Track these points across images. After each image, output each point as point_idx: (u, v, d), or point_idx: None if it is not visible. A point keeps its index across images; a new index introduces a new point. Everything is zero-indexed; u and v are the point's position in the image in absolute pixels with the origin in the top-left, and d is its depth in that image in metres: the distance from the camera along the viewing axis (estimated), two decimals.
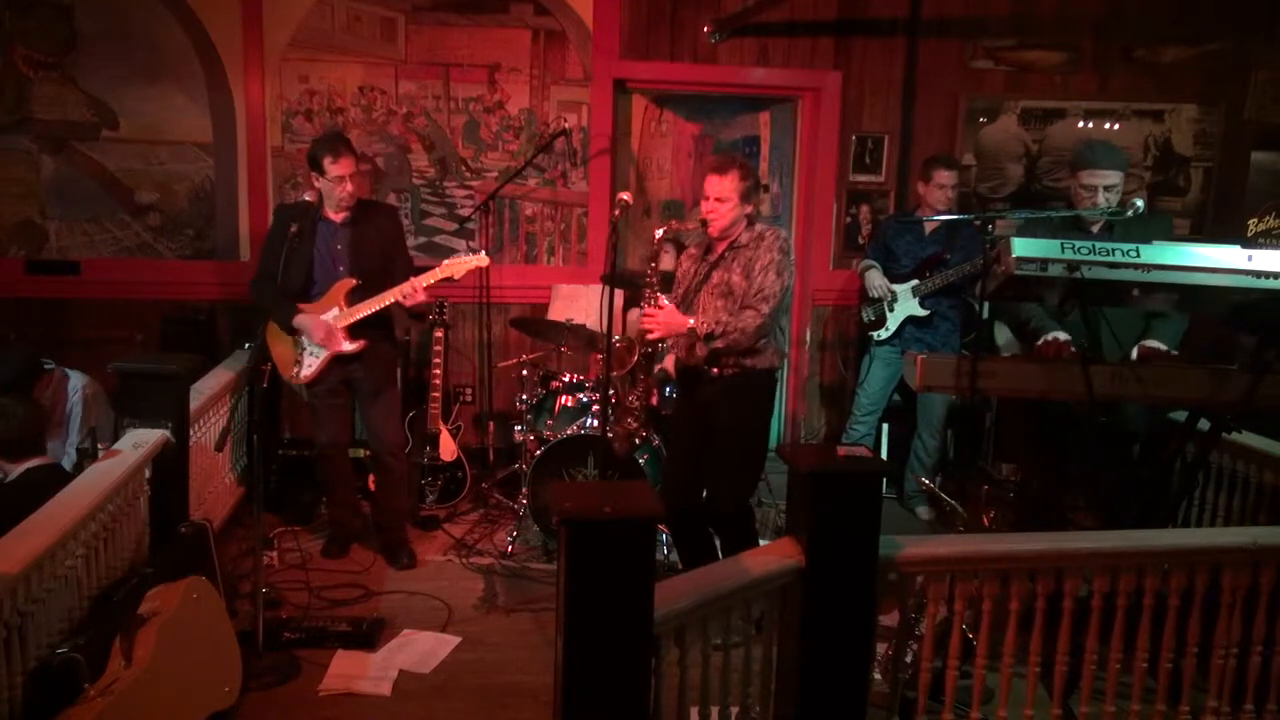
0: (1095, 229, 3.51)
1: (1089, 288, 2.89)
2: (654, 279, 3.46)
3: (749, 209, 3.42)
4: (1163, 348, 3.37)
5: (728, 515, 3.53)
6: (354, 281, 3.89)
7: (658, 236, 3.47)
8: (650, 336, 3.45)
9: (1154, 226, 3.45)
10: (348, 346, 3.90)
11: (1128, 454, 3.68)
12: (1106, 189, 3.46)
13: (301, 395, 4.20)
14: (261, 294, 3.92)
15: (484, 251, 4.02)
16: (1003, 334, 5.17)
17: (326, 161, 3.75)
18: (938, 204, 4.64)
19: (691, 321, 3.35)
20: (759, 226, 3.46)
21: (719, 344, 3.32)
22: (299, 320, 3.88)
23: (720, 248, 3.45)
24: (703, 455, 3.50)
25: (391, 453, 4.16)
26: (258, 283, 3.94)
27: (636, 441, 3.69)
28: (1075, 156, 3.62)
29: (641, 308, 3.48)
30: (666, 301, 3.45)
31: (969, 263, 4.43)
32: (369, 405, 4.09)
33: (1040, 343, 3.41)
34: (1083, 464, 3.64)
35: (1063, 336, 3.35)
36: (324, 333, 3.87)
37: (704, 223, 3.41)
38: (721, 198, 3.35)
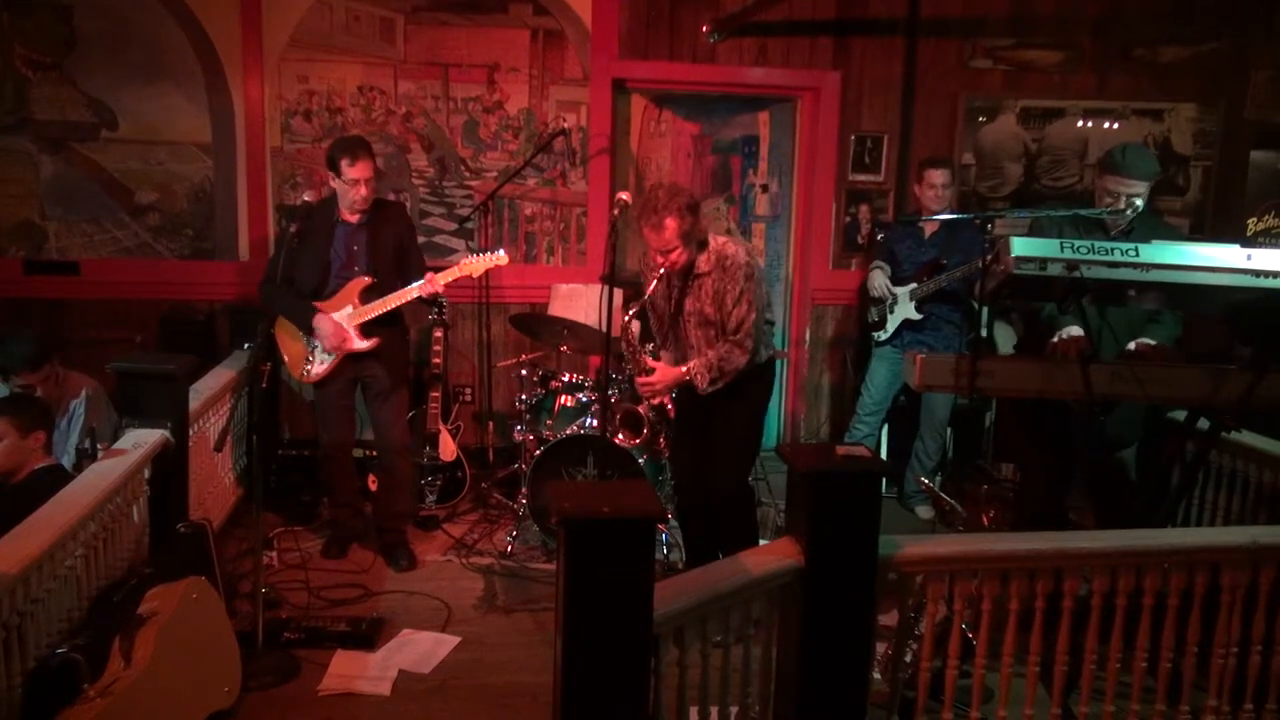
0: (1114, 232, 3.47)
1: (1088, 287, 2.89)
2: (632, 350, 3.59)
3: (698, 238, 3.37)
4: (1154, 344, 3.36)
5: (728, 494, 3.60)
6: (369, 280, 3.91)
7: (627, 318, 3.54)
8: (654, 402, 3.73)
9: (1156, 231, 3.43)
10: (361, 345, 3.92)
11: (1118, 457, 3.67)
12: (1130, 197, 3.38)
13: (304, 394, 4.20)
14: (274, 296, 3.92)
15: (501, 250, 4.05)
16: (1003, 334, 5.18)
17: (344, 163, 3.77)
18: (931, 204, 4.64)
19: (684, 370, 3.45)
20: (712, 247, 3.41)
21: (720, 385, 3.43)
22: (316, 322, 3.89)
23: (678, 281, 3.48)
24: (706, 442, 3.59)
25: (398, 453, 4.16)
26: (268, 285, 3.93)
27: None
28: (1108, 159, 3.47)
29: (630, 370, 3.66)
30: (654, 362, 3.57)
31: (963, 265, 4.43)
32: (379, 405, 4.09)
33: (1055, 339, 3.39)
34: (1081, 463, 3.64)
35: (1077, 332, 3.27)
36: (337, 339, 3.89)
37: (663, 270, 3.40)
38: (666, 249, 3.31)
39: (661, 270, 3.36)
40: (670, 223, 3.26)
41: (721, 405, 3.51)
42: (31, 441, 3.21)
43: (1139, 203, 3.40)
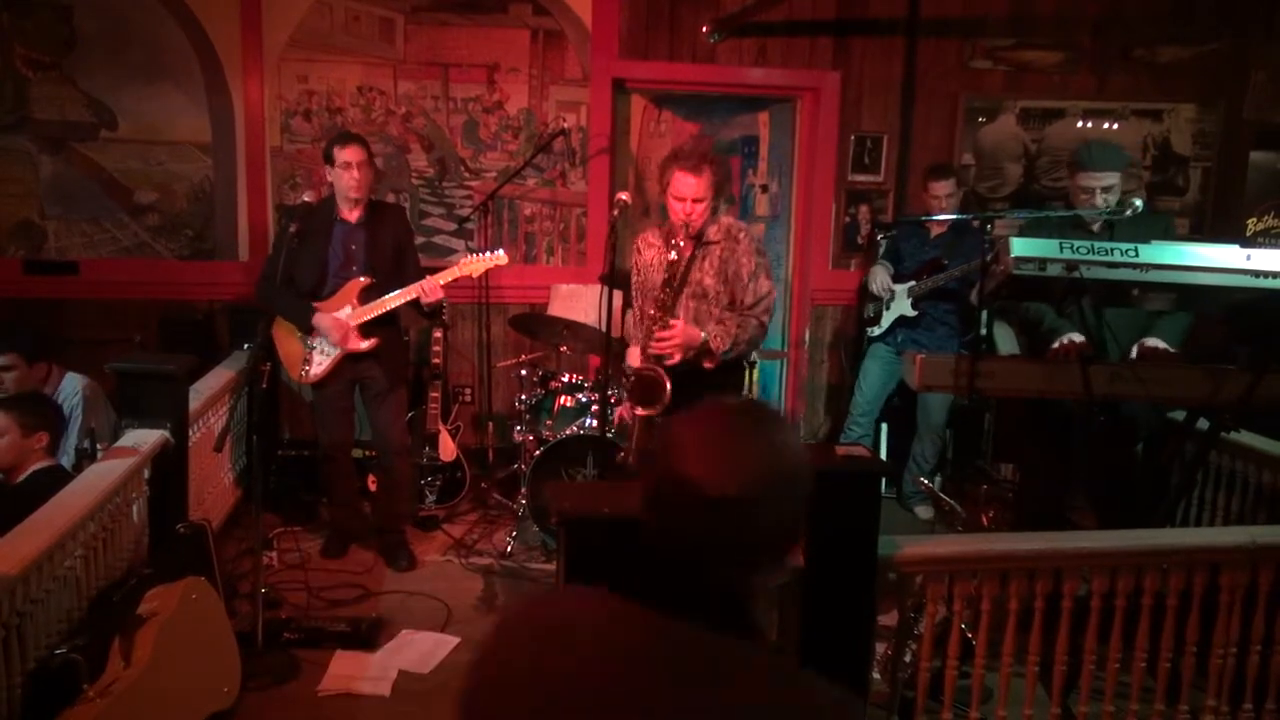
0: (1096, 228, 3.50)
1: (1088, 288, 2.89)
2: (661, 306, 3.28)
3: (716, 206, 3.32)
4: (1163, 345, 3.36)
5: None
6: (367, 280, 3.91)
7: (672, 259, 3.26)
8: (671, 362, 3.26)
9: (1151, 225, 3.44)
10: (361, 345, 3.92)
11: (1130, 452, 3.67)
12: (1104, 190, 3.42)
13: (304, 394, 4.20)
14: (272, 296, 3.92)
15: (501, 250, 4.06)
16: (1002, 335, 5.18)
17: (336, 150, 3.83)
18: (936, 213, 4.66)
19: (704, 335, 3.26)
20: (724, 220, 3.38)
21: (731, 356, 3.33)
22: (317, 320, 3.89)
23: (689, 246, 3.31)
24: None
25: (397, 453, 4.17)
26: (266, 284, 3.94)
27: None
28: (1073, 157, 3.57)
29: (648, 329, 3.29)
30: (677, 321, 3.28)
31: (961, 266, 4.44)
32: (378, 405, 4.09)
33: (1056, 345, 3.39)
34: (1082, 463, 3.64)
35: (1078, 338, 3.29)
36: (341, 333, 3.89)
37: (675, 226, 3.25)
38: (699, 198, 3.21)
39: (678, 229, 3.20)
40: (707, 170, 3.20)
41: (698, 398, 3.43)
42: (33, 442, 3.20)
43: (1114, 197, 3.41)
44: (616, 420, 3.51)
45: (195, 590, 2.85)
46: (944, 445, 4.98)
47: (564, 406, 4.46)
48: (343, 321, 3.89)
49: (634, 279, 3.44)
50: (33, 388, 3.76)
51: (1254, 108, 5.57)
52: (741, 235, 3.34)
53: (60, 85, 4.90)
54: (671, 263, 3.29)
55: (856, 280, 5.46)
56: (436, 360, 4.63)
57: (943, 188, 4.64)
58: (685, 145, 3.31)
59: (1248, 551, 2.67)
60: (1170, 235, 3.39)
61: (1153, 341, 3.36)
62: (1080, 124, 5.53)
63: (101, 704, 2.41)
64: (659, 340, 3.26)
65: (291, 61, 5.03)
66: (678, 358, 3.27)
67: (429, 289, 3.87)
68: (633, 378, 3.39)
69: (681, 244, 3.27)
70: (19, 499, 2.95)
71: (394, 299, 3.89)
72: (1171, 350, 3.34)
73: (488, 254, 4.02)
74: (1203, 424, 3.29)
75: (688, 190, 3.20)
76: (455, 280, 3.99)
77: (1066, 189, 3.77)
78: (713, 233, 3.34)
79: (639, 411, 3.34)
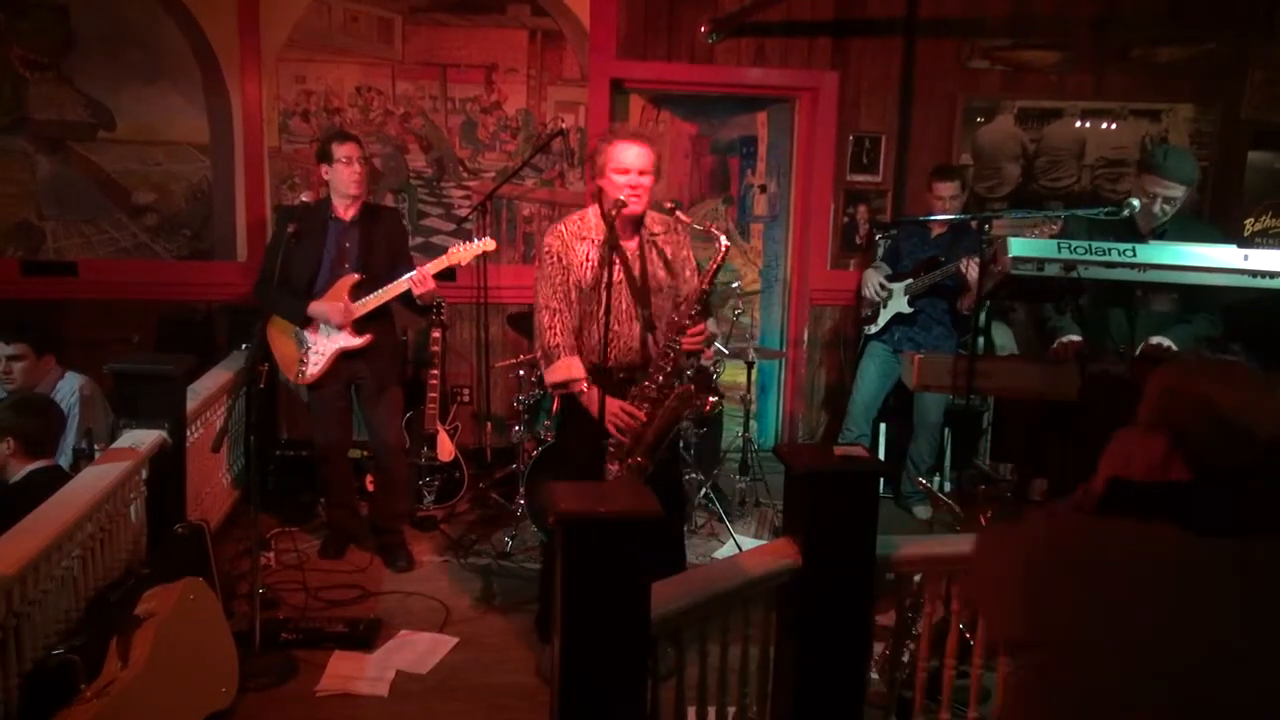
0: (1147, 233, 3.45)
1: (1085, 287, 2.89)
2: (695, 308, 3.04)
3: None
4: (1168, 343, 3.37)
5: (679, 500, 3.56)
6: (358, 276, 3.91)
7: (724, 244, 2.99)
8: (707, 355, 3.14)
9: (1204, 236, 3.42)
10: (354, 341, 3.92)
11: None
12: (1165, 200, 3.37)
13: (301, 395, 4.19)
14: (268, 294, 3.93)
15: (488, 237, 4.07)
16: (1001, 335, 5.18)
17: (335, 146, 3.87)
18: (939, 214, 4.67)
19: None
20: (656, 214, 3.17)
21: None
22: (313, 309, 3.89)
23: (636, 237, 3.10)
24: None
25: (393, 454, 4.16)
26: (263, 284, 3.95)
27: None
28: (1147, 158, 3.47)
29: (679, 325, 3.05)
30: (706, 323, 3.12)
31: (954, 263, 4.45)
32: (373, 405, 4.09)
33: (1056, 345, 3.40)
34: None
35: (1078, 339, 3.32)
36: (341, 313, 3.88)
37: (619, 203, 2.94)
38: (646, 170, 2.94)
39: (621, 207, 2.92)
40: (649, 143, 2.95)
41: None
42: (3, 447, 3.19)
43: (1172, 208, 3.38)
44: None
45: (193, 591, 2.84)
46: (942, 445, 4.99)
47: None
48: (338, 304, 3.88)
49: (558, 277, 3.10)
50: (35, 382, 3.77)
51: (1252, 107, 5.57)
52: (679, 225, 3.14)
53: (58, 86, 4.90)
54: (716, 259, 3.01)
55: (855, 280, 5.45)
56: (435, 360, 4.62)
57: (947, 189, 4.65)
58: (619, 124, 3.04)
59: None
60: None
61: (1157, 340, 3.36)
62: (1078, 124, 5.54)
63: (99, 704, 2.40)
64: (696, 335, 3.05)
65: (289, 62, 5.03)
66: (710, 353, 3.17)
67: (419, 279, 3.86)
68: (688, 372, 3.11)
69: (664, 231, 3.05)
70: (16, 498, 2.95)
71: (386, 292, 3.90)
72: (1175, 349, 3.35)
73: (475, 242, 4.03)
74: None
75: (634, 160, 2.92)
76: (448, 270, 3.98)
77: (1091, 188, 3.72)
78: (655, 222, 3.13)
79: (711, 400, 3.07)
